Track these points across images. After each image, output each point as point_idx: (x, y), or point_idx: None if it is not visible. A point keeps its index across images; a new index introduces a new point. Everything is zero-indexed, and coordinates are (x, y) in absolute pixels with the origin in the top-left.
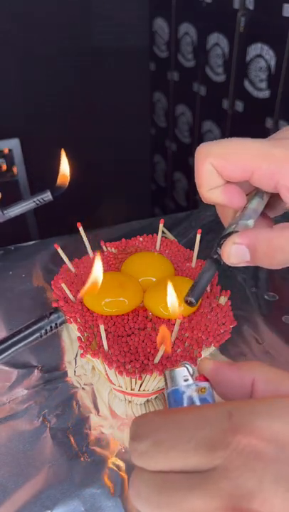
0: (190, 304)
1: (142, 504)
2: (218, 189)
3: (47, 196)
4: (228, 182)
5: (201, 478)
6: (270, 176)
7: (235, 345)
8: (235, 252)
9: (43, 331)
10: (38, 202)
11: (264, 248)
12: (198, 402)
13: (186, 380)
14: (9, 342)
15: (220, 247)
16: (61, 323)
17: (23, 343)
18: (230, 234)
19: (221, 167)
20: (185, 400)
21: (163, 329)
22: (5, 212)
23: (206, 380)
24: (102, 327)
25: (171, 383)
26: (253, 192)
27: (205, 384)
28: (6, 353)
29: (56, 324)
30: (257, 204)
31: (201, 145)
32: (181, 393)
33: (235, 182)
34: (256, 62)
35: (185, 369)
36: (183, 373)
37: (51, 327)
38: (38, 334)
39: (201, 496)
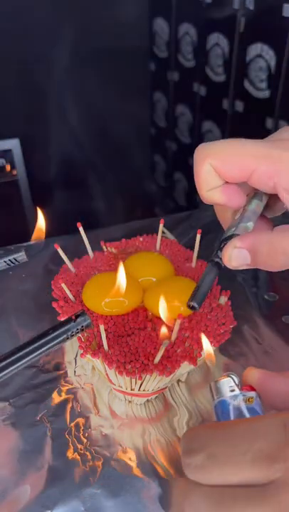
0: (192, 308)
1: None
2: (217, 189)
3: (21, 256)
4: (227, 182)
5: (259, 492)
6: (269, 177)
7: (235, 345)
8: (236, 256)
9: (69, 333)
10: (9, 262)
11: (265, 251)
12: (246, 413)
13: (232, 391)
14: (36, 344)
15: (220, 251)
16: (87, 326)
17: (49, 345)
18: (230, 237)
19: (220, 168)
20: (232, 410)
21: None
22: None
23: (253, 389)
24: (102, 327)
25: (217, 394)
26: (252, 194)
27: (252, 394)
28: (33, 355)
29: (82, 327)
30: (256, 206)
31: (200, 146)
32: (228, 404)
33: (234, 183)
34: (256, 62)
35: (230, 379)
36: (229, 384)
37: (77, 329)
38: (64, 336)
39: (261, 510)
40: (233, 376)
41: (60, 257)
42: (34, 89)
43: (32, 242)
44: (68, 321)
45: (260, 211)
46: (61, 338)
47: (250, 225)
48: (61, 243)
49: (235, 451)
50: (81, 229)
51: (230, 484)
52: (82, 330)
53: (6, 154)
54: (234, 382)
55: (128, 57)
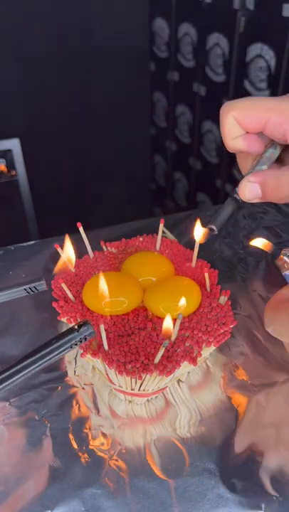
0: (211, 230)
1: None
2: (239, 138)
3: (41, 285)
4: (247, 133)
5: None
6: (279, 126)
7: (235, 345)
8: (249, 189)
9: (72, 343)
10: (29, 290)
11: (273, 184)
12: None
13: None
14: (38, 354)
15: (238, 187)
16: (90, 335)
17: (52, 356)
18: None
19: (240, 119)
20: None
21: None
22: None
23: None
24: (102, 327)
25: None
26: (269, 144)
27: None
28: (36, 365)
29: (85, 336)
30: (270, 154)
31: (225, 103)
32: None
33: (253, 132)
34: (256, 62)
35: None
36: None
37: (80, 339)
38: (67, 346)
39: None
40: None
41: (60, 257)
42: (34, 89)
43: (55, 272)
44: (71, 330)
45: (275, 158)
46: (64, 347)
47: (265, 167)
48: (61, 243)
49: None
50: (81, 229)
51: None
52: (86, 339)
53: (6, 154)
54: None
55: (128, 57)
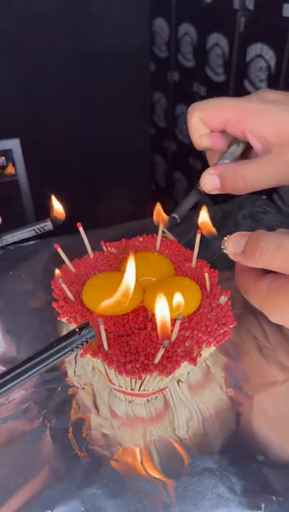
0: (173, 218)
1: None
2: (205, 136)
3: (47, 225)
4: (212, 131)
5: None
6: (238, 124)
7: (235, 345)
8: (209, 180)
9: (74, 346)
10: (37, 230)
11: (230, 176)
12: None
13: None
14: (39, 358)
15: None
16: (91, 338)
17: (53, 359)
18: None
19: (204, 118)
20: None
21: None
22: (3, 238)
23: None
24: (102, 327)
25: None
26: (233, 141)
27: None
28: (37, 369)
29: (87, 339)
30: (233, 149)
31: (192, 104)
32: None
33: (217, 131)
34: (256, 62)
35: None
36: None
37: (82, 342)
38: (68, 349)
39: None
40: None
41: (60, 257)
42: (34, 89)
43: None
44: (72, 333)
45: (238, 154)
46: (65, 351)
47: (227, 162)
48: (61, 243)
49: None
50: (81, 229)
51: None
52: (87, 342)
53: (6, 154)
54: None
55: (128, 57)
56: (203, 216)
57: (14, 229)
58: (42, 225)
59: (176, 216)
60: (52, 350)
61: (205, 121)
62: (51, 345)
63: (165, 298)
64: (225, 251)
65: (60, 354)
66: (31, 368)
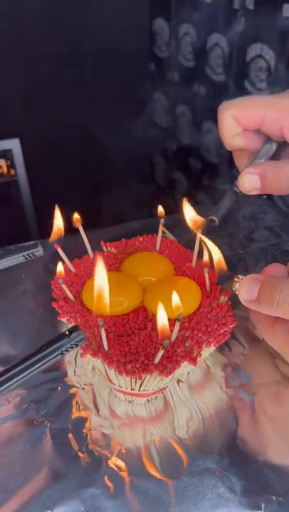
0: (211, 221)
1: None
2: (238, 136)
3: (38, 251)
4: (245, 130)
5: None
6: (276, 122)
7: (235, 345)
8: (248, 180)
9: (63, 349)
10: (27, 256)
11: (272, 175)
12: None
13: None
14: (29, 362)
15: (236, 180)
16: (81, 341)
17: (42, 363)
18: None
19: (238, 117)
20: None
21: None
22: None
23: None
24: (101, 327)
25: None
26: (265, 141)
27: None
28: (26, 373)
29: (76, 342)
30: (268, 148)
31: (223, 102)
32: None
33: (250, 130)
34: (256, 62)
35: None
36: None
37: (72, 345)
38: (58, 353)
39: None
40: None
41: (60, 257)
42: (34, 89)
43: (51, 240)
44: (62, 336)
45: (271, 154)
46: (55, 354)
47: (261, 162)
48: (61, 243)
49: None
50: (81, 229)
51: None
52: (77, 345)
53: (6, 154)
54: None
55: (128, 57)
56: (188, 211)
57: (5, 255)
58: (32, 250)
59: (214, 218)
60: (41, 354)
61: (239, 120)
62: (40, 349)
63: (164, 306)
64: (236, 292)
65: (49, 358)
66: (20, 372)
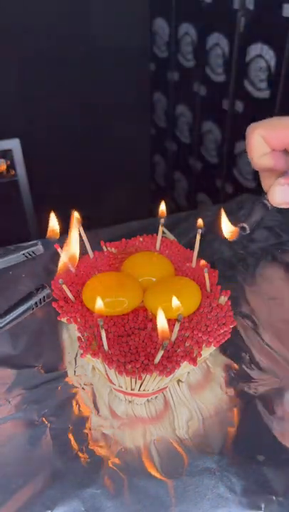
0: (242, 229)
1: None
2: (266, 155)
3: (37, 249)
4: (273, 150)
5: None
6: None
7: (235, 345)
8: (279, 192)
9: (33, 304)
10: (27, 254)
11: None
12: None
13: None
14: (5, 317)
15: (266, 194)
16: (48, 297)
17: (17, 315)
18: None
19: (267, 136)
20: None
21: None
22: None
23: None
24: (101, 327)
25: None
26: None
27: None
28: (4, 323)
29: (44, 298)
30: None
31: (251, 124)
32: None
33: (278, 149)
34: (256, 62)
35: None
36: None
37: (40, 300)
38: (30, 304)
39: None
40: None
41: (60, 257)
42: (34, 89)
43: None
44: (31, 294)
45: None
46: (26, 307)
47: None
48: (61, 243)
49: None
50: (81, 229)
51: None
52: (45, 300)
53: (6, 154)
54: None
55: (128, 57)
56: (227, 230)
57: (4, 253)
58: (32, 248)
59: (246, 226)
60: (14, 311)
61: (268, 140)
62: (13, 306)
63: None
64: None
65: (22, 311)
66: None
